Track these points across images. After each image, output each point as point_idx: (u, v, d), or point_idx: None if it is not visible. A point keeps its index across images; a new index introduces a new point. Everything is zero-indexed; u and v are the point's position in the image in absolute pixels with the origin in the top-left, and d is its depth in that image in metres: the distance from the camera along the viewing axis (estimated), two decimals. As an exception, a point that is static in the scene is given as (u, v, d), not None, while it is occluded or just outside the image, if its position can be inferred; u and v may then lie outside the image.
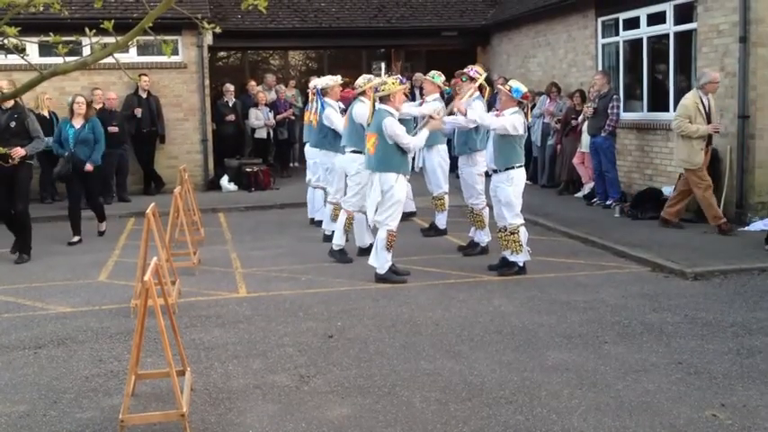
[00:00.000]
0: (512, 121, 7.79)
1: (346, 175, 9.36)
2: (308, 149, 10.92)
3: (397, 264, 8.07)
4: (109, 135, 13.46)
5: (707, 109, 9.76)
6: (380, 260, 7.87)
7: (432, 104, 9.40)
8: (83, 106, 10.31)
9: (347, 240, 9.00)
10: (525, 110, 8.10)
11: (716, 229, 9.57)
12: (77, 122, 10.30)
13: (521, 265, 8.04)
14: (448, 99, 11.19)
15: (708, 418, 4.56)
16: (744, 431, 4.41)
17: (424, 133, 8.14)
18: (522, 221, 8.03)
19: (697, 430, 4.42)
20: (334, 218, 10.01)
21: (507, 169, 7.92)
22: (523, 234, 7.97)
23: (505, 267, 8.08)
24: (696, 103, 9.70)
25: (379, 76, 9.36)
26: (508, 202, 7.91)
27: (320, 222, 10.63)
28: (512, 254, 8.01)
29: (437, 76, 9.84)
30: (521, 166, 7.99)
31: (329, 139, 10.03)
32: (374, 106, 7.94)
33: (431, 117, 8.22)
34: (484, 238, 9.11)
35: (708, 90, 9.78)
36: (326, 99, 10.02)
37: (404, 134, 7.78)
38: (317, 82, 10.52)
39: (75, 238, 10.46)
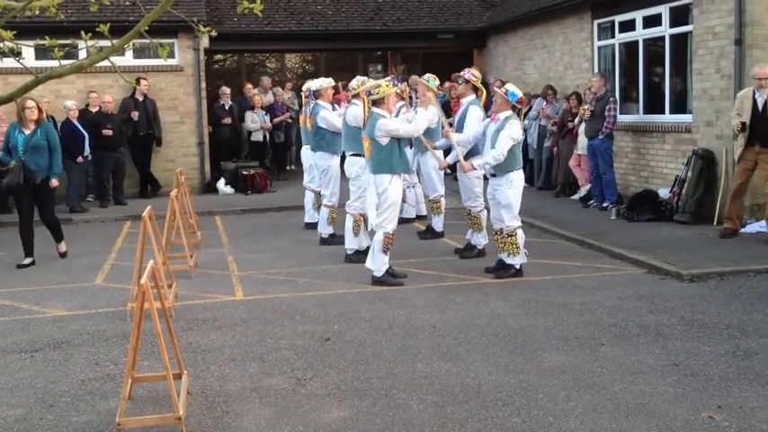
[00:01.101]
0: (510, 134, 7.76)
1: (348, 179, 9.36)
2: (304, 152, 10.94)
3: (393, 266, 8.08)
4: (104, 138, 13.53)
5: (758, 105, 9.17)
6: (377, 262, 7.87)
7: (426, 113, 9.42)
8: (34, 111, 9.20)
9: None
10: (519, 114, 8.10)
11: (718, 230, 9.56)
12: (28, 128, 9.22)
13: (517, 267, 8.04)
14: (443, 103, 11.21)
15: (704, 420, 4.56)
16: (740, 433, 4.42)
17: (423, 115, 8.17)
18: (520, 224, 8.03)
19: (693, 432, 4.44)
20: (331, 221, 10.03)
21: (506, 173, 7.92)
22: (521, 237, 7.98)
23: (502, 270, 8.08)
24: (747, 98, 9.25)
25: (376, 78, 9.35)
26: (507, 205, 7.92)
27: (313, 225, 10.64)
28: (509, 256, 8.02)
29: (431, 80, 9.86)
30: (519, 169, 8.01)
31: (325, 141, 10.03)
32: (368, 110, 7.95)
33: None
34: (481, 240, 9.11)
35: (756, 86, 9.23)
36: (319, 101, 10.05)
37: (400, 125, 7.77)
38: (309, 84, 10.54)
39: (27, 260, 9.31)
